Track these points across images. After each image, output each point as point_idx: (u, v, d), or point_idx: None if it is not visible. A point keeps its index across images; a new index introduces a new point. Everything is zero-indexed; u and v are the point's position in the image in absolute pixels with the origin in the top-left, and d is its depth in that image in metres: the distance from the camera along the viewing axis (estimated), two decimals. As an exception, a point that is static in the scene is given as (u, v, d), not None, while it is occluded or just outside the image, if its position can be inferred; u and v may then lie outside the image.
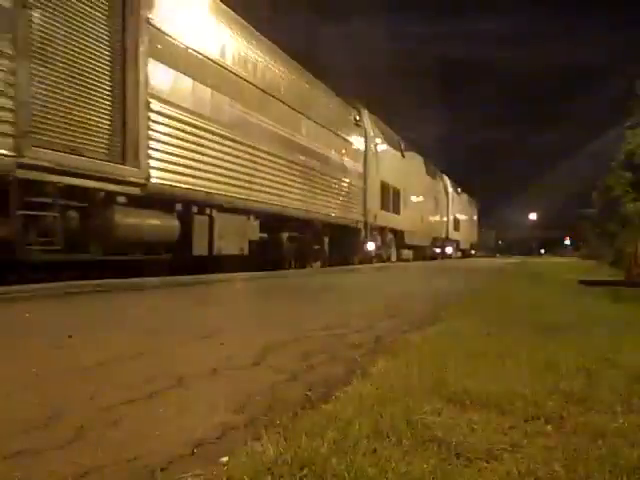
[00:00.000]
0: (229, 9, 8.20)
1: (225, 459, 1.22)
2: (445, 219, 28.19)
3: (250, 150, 8.59)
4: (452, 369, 2.05)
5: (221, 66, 7.84)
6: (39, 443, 1.27)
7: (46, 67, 5.09)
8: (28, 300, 4.20)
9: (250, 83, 8.64)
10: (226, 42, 8.01)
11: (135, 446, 1.28)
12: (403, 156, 19.16)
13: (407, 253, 19.93)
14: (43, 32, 5.06)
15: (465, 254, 35.37)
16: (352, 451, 1.25)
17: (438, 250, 26.83)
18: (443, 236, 27.50)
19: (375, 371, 2.04)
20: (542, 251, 77.71)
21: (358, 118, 14.36)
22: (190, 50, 7.11)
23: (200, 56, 7.34)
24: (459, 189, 32.85)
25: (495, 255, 53.46)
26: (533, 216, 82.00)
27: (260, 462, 1.18)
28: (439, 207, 26.41)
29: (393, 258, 18.01)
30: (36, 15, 4.97)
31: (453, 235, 30.08)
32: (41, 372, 1.93)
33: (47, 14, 5.09)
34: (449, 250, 29.42)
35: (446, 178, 28.84)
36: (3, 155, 4.61)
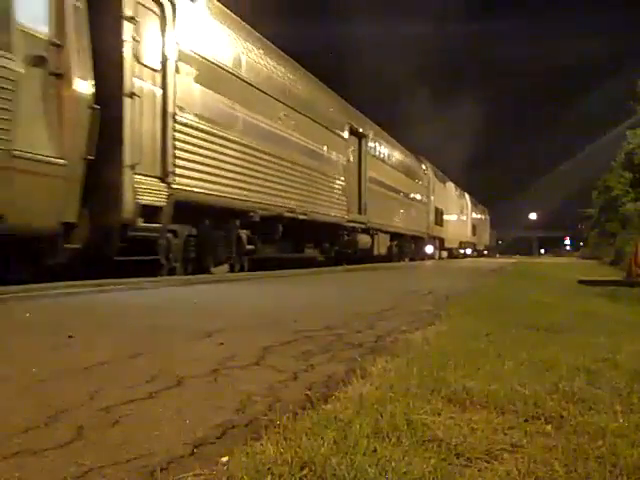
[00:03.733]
0: (391, 139, 18.90)
1: (225, 459, 1.22)
2: (466, 227, 36.10)
3: (389, 200, 17.49)
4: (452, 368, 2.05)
5: (387, 163, 17.73)
6: (39, 443, 1.27)
7: (347, 179, 13.17)
8: (28, 300, 4.20)
9: (396, 169, 18.81)
10: (390, 154, 18.17)
11: (135, 446, 1.27)
12: (444, 186, 28.47)
13: (445, 253, 29.08)
14: (348, 166, 13.40)
15: (480, 254, 43.34)
16: (352, 451, 1.25)
17: (462, 251, 35.15)
18: (465, 240, 35.41)
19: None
20: (542, 251, 77.71)
21: (424, 168, 23.89)
22: (381, 161, 16.89)
23: (386, 164, 17.44)
24: (475, 201, 40.71)
25: (496, 255, 53.64)
26: (533, 216, 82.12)
27: (260, 462, 1.18)
28: (463, 218, 34.66)
29: (437, 257, 26.87)
30: (349, 160, 13.09)
31: (472, 239, 38.43)
32: (41, 372, 1.92)
33: (349, 160, 13.43)
34: (469, 251, 38.03)
35: (467, 195, 36.85)
36: (345, 218, 12.82)
